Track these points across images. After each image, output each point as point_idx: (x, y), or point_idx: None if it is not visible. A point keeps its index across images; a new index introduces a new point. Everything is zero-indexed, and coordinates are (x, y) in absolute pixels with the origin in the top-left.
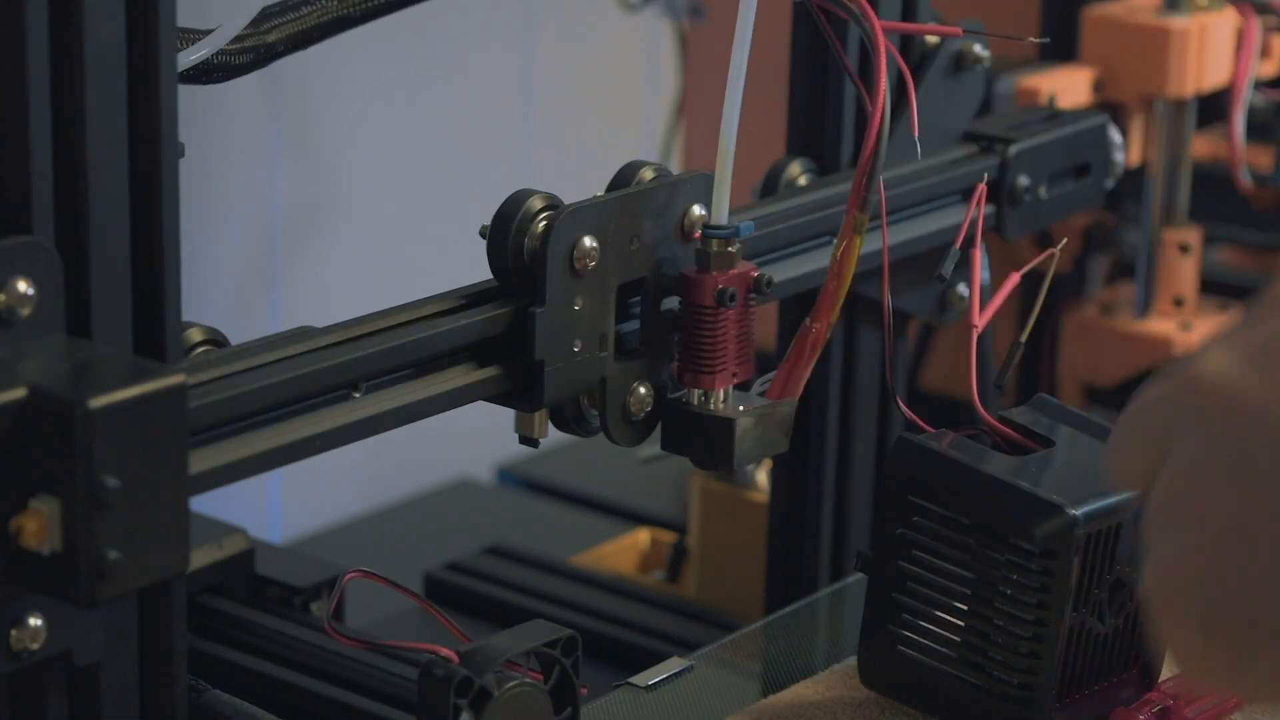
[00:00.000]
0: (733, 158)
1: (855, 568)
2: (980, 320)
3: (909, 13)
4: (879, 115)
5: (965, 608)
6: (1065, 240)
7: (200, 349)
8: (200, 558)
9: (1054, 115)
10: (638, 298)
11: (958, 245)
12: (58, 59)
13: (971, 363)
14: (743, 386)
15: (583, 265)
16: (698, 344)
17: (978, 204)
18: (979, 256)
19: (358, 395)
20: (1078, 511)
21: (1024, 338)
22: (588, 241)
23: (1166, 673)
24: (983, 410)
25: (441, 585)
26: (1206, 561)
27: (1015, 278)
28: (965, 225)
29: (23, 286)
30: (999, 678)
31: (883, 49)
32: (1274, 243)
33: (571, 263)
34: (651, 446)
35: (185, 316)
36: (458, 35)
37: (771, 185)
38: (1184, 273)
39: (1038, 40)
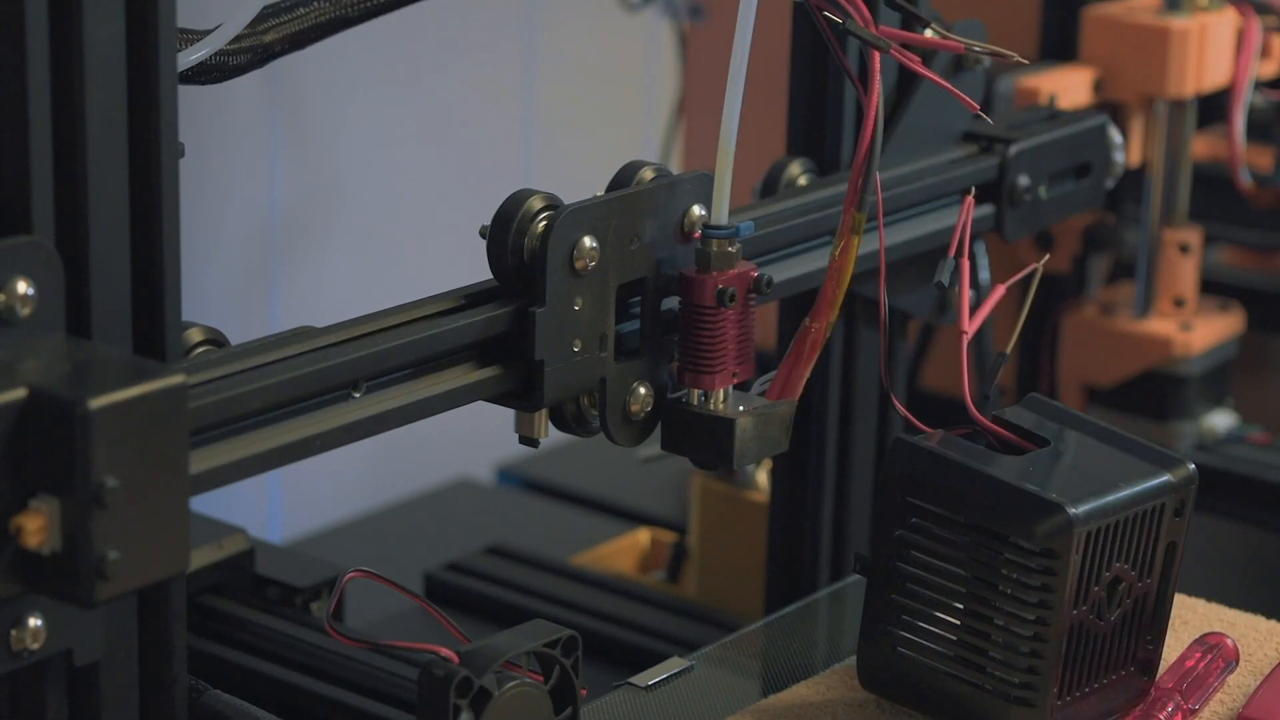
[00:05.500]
0: (733, 158)
1: (854, 569)
2: (970, 326)
3: None
4: (872, 116)
5: (964, 608)
6: (1047, 256)
7: (200, 349)
8: (200, 558)
9: (1054, 115)
10: (638, 298)
11: (953, 254)
12: (58, 59)
13: (963, 366)
14: (743, 386)
15: (583, 265)
16: (698, 344)
17: (966, 214)
18: (967, 267)
19: (358, 395)
20: (1077, 510)
21: (1010, 348)
22: (588, 241)
23: (1163, 668)
24: (976, 412)
25: (441, 585)
26: None
27: (1001, 290)
28: (956, 235)
29: (23, 286)
30: (999, 677)
31: (876, 55)
32: (1274, 243)
33: (571, 263)
34: (651, 446)
35: (185, 316)
36: (458, 35)
37: (771, 185)
38: (1184, 273)
39: (1025, 61)
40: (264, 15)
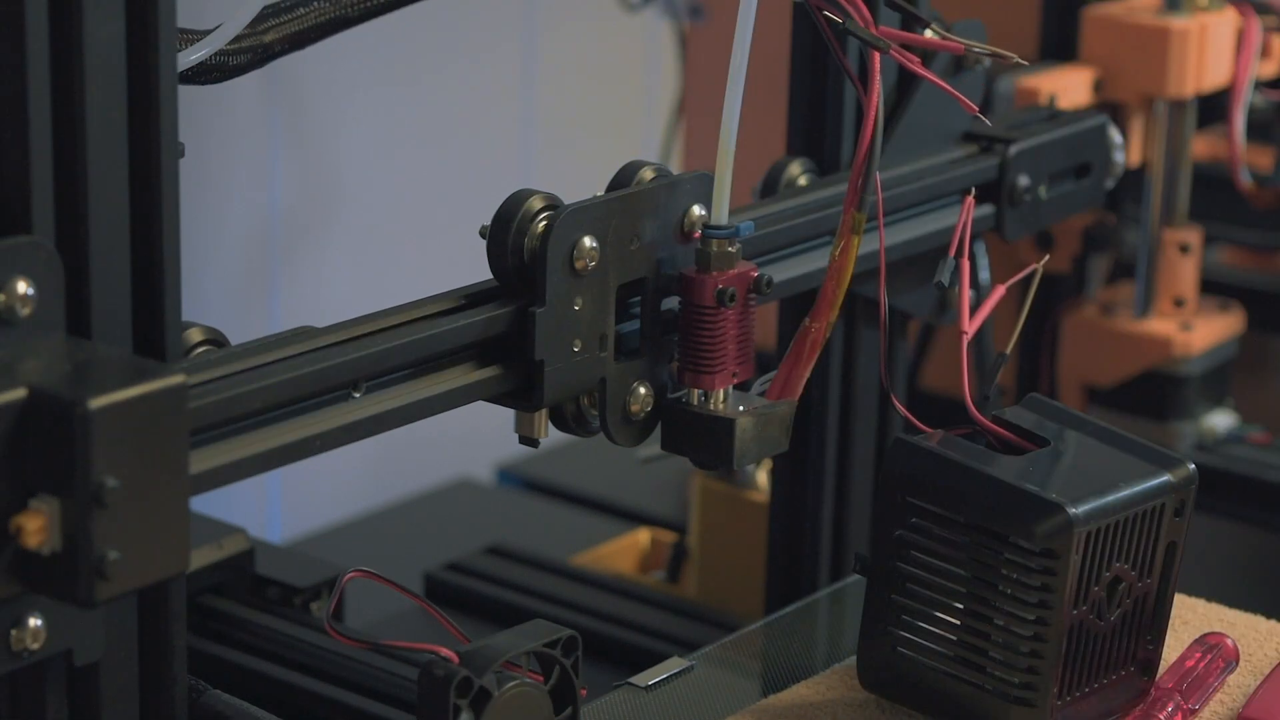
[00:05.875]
0: (733, 158)
1: (854, 569)
2: (970, 327)
3: None
4: (872, 116)
5: (964, 608)
6: (1047, 257)
7: (200, 349)
8: (200, 558)
9: (1054, 115)
10: (638, 298)
11: (953, 254)
12: (58, 59)
13: (963, 367)
14: (743, 386)
15: (583, 265)
16: (698, 344)
17: (966, 214)
18: (967, 267)
19: (358, 395)
20: (1077, 510)
21: (1010, 348)
22: (588, 241)
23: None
24: (976, 412)
25: (441, 585)
26: None
27: (1001, 290)
28: (956, 235)
29: (23, 286)
30: (999, 677)
31: (876, 56)
32: (1274, 243)
33: (571, 263)
34: (651, 446)
35: (185, 316)
36: (458, 35)
37: (771, 185)
38: (1184, 273)
39: (1024, 62)
40: (264, 15)
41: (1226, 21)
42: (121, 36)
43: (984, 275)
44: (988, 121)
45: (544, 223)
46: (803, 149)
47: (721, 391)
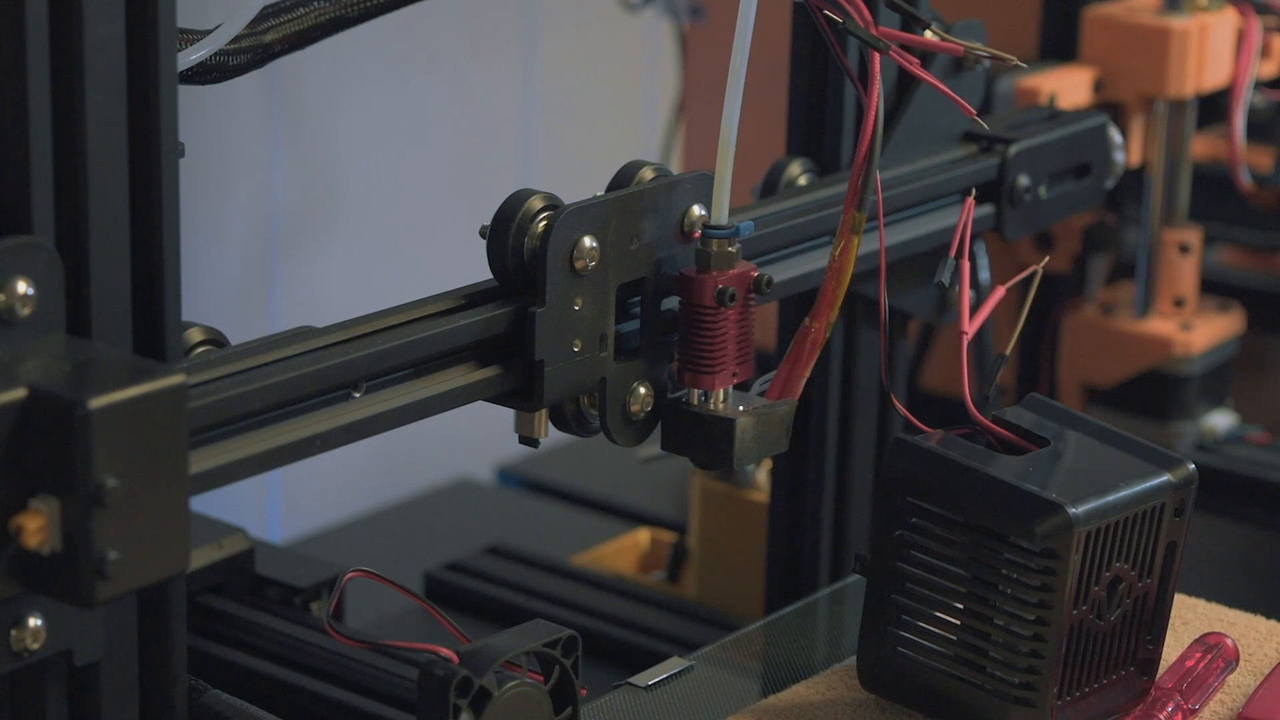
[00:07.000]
0: (733, 158)
1: (854, 569)
2: (970, 327)
3: None
4: (872, 116)
5: (964, 608)
6: (1048, 258)
7: (200, 349)
8: (200, 558)
9: (1054, 115)
10: (638, 298)
11: (953, 254)
12: (58, 59)
13: (963, 367)
14: (743, 386)
15: (583, 265)
16: (698, 344)
17: (967, 215)
18: (967, 267)
19: (358, 395)
20: (1077, 509)
21: (1009, 349)
22: (588, 241)
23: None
24: (976, 412)
25: (441, 585)
26: None
27: (1001, 290)
28: (957, 235)
29: (23, 286)
30: (1000, 678)
31: (876, 56)
32: (1274, 243)
33: (571, 263)
34: (651, 446)
35: (185, 316)
36: (458, 35)
37: (771, 185)
38: (1184, 273)
39: (1023, 65)
40: (264, 15)
41: (1226, 21)
42: (121, 36)
43: (984, 275)
44: (984, 125)
45: (544, 223)
46: (803, 149)
47: (721, 391)
